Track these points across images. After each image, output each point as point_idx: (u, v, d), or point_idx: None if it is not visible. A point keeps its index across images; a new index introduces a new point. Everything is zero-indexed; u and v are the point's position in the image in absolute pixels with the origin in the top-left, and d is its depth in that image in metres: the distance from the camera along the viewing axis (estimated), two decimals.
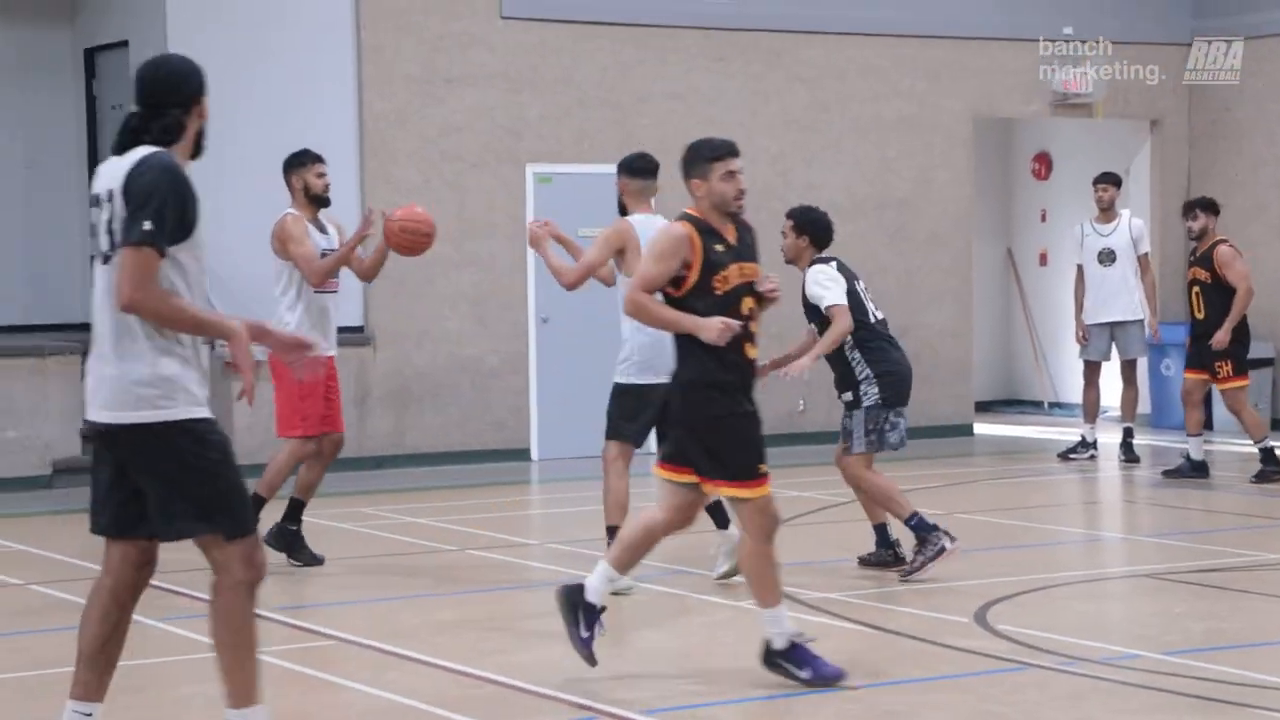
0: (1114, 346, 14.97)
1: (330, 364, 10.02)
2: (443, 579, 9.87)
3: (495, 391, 15.57)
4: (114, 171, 5.49)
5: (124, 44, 15.56)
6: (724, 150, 7.13)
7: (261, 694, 5.71)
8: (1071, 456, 15.02)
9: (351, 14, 15.20)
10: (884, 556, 9.74)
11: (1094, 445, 15.04)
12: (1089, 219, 15.18)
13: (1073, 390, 18.14)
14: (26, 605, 9.20)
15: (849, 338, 9.46)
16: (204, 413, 5.50)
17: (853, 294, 9.48)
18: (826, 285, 9.41)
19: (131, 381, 5.42)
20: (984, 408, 19.00)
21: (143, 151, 5.46)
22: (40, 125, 16.16)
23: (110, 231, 5.46)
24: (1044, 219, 19.49)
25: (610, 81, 16.13)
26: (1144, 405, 17.11)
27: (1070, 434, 15.87)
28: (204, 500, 5.48)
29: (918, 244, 17.37)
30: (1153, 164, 18.30)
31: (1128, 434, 14.94)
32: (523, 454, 15.59)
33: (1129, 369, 15.05)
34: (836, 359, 9.51)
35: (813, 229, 9.57)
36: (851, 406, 9.52)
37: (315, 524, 11.95)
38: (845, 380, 9.54)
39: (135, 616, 8.65)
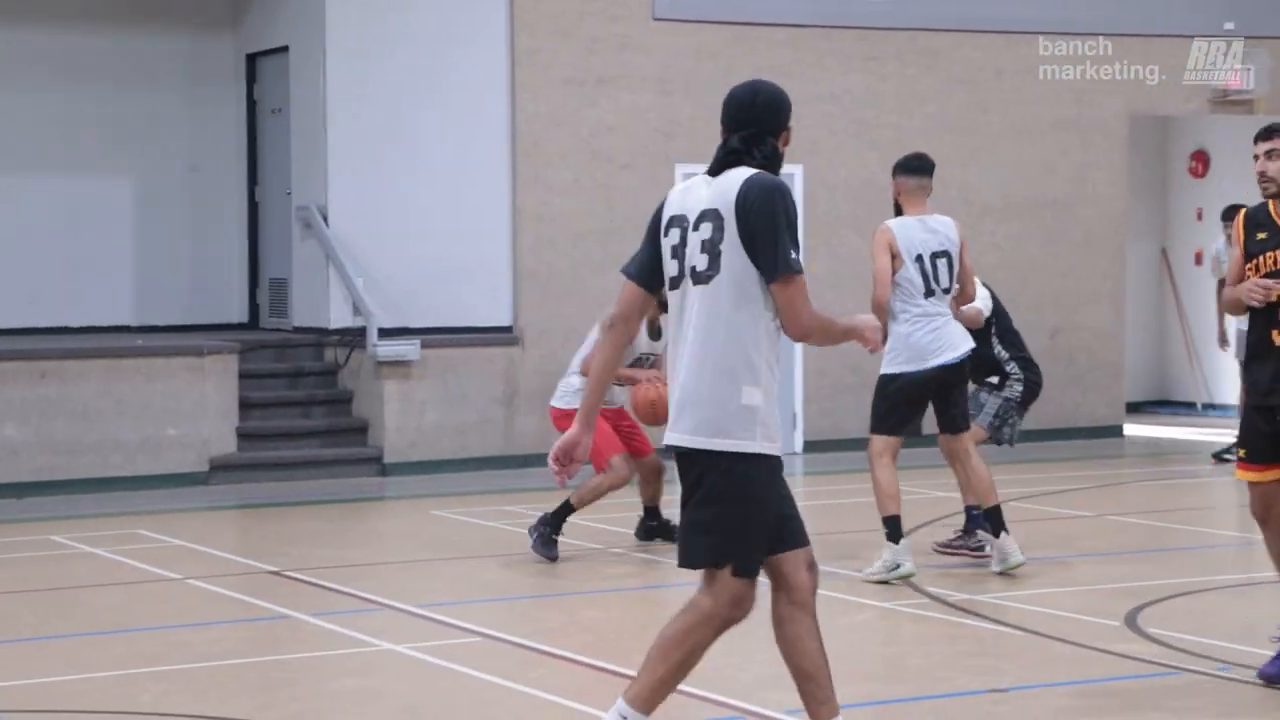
0: None
1: (620, 411, 10.65)
2: (588, 577, 9.89)
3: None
4: (716, 193, 5.36)
5: (284, 49, 15.78)
6: (1257, 135, 7.18)
7: (654, 709, 5.56)
8: (1225, 458, 14.71)
9: (506, 18, 15.27)
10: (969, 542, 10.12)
11: None
12: (1225, 237, 14.90)
13: (1227, 391, 17.78)
14: (185, 600, 9.36)
15: (997, 339, 10.24)
16: (775, 450, 5.44)
17: (1001, 311, 10.37)
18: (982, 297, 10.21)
19: (721, 409, 5.32)
20: (1135, 408, 18.68)
21: (746, 171, 5.36)
22: (202, 129, 16.45)
23: (713, 252, 5.31)
24: (1200, 218, 19.11)
25: None
26: None
27: (1224, 435, 15.54)
28: (739, 531, 5.39)
29: (1073, 244, 17.12)
30: None
31: None
32: (667, 451, 15.57)
33: None
34: (984, 352, 10.04)
35: None
36: (994, 389, 10.22)
37: (462, 521, 12.06)
38: (993, 369, 10.23)
39: (287, 611, 8.83)
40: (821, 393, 16.07)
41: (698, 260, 5.34)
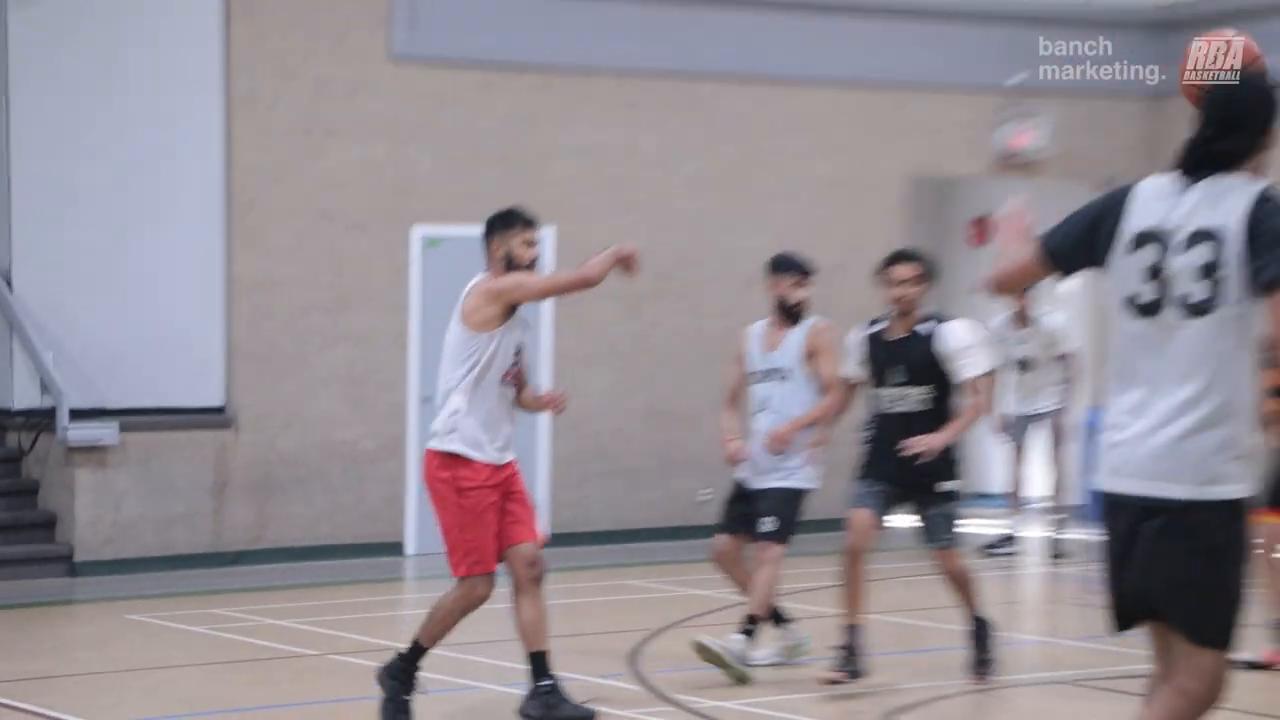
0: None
1: (509, 468, 9.19)
2: (303, 688, 10.15)
3: (369, 479, 15.91)
4: (1213, 209, 5.26)
5: None
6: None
7: None
8: (994, 552, 15.65)
9: (221, 57, 15.40)
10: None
11: (1017, 539, 15.87)
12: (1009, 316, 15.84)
13: (996, 480, 18.28)
14: None
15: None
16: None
17: None
18: (977, 348, 9.98)
19: (1208, 449, 5.23)
20: None
21: (1255, 183, 5.29)
22: None
23: (1214, 277, 5.20)
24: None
25: (511, 134, 16.42)
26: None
27: (992, 527, 16.20)
28: (1234, 599, 5.30)
29: (846, 316, 17.49)
30: None
31: (1053, 527, 15.77)
32: (396, 548, 15.99)
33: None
34: (954, 443, 9.95)
35: (933, 276, 10.15)
36: (949, 498, 10.08)
37: (161, 626, 12.23)
38: (954, 470, 10.11)
39: None
40: (569, 480, 16.65)
41: (1193, 288, 5.27)
